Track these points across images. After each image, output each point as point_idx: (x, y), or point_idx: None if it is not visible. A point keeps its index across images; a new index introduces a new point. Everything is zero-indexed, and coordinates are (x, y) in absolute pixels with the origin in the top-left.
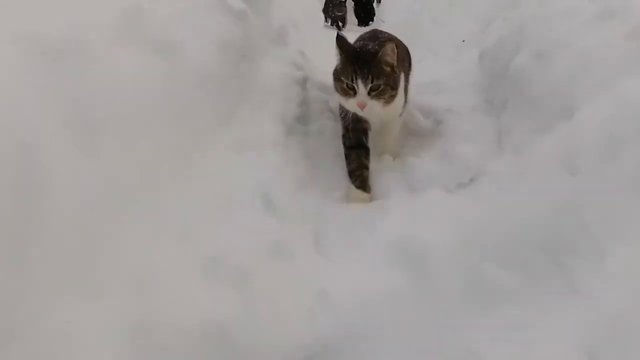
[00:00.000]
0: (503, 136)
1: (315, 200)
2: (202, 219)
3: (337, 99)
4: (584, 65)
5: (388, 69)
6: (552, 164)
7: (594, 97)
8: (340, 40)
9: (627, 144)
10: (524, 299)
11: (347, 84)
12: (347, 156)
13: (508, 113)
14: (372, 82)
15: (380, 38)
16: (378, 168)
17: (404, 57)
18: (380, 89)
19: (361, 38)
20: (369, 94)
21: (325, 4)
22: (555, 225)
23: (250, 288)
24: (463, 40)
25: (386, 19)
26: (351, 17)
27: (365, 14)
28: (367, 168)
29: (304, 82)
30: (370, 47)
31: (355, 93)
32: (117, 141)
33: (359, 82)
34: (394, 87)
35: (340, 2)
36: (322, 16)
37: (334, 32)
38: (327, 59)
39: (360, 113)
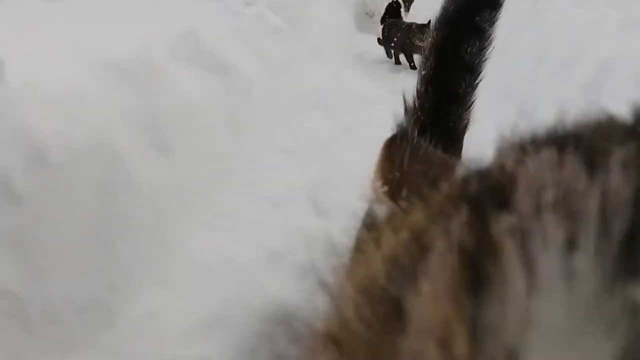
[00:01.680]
0: None
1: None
2: (259, 215)
3: None
4: (608, 73)
5: None
6: None
7: (617, 105)
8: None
9: None
10: None
11: None
12: None
13: (538, 120)
14: None
15: None
16: None
17: None
18: None
19: None
20: None
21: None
22: None
23: None
24: (493, 47)
25: None
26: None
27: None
28: None
29: (338, 92)
30: None
31: None
32: (184, 143)
33: None
34: None
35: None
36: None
37: None
38: None
39: None
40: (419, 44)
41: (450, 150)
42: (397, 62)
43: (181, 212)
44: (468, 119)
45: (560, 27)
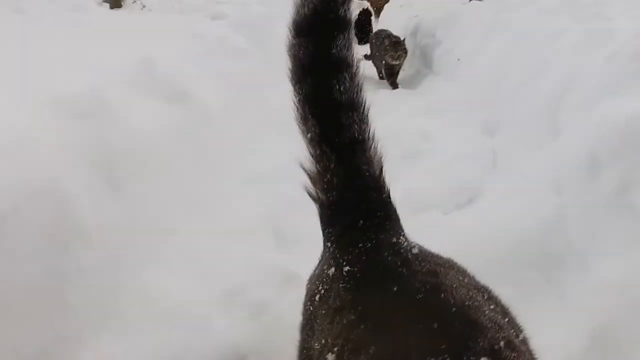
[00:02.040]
0: (498, 156)
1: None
2: (218, 250)
3: None
4: (569, 86)
5: None
6: (540, 185)
7: (576, 118)
8: None
9: (606, 165)
10: (518, 314)
11: None
12: None
13: (501, 133)
14: None
15: None
16: None
17: None
18: None
19: None
20: None
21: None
22: (544, 243)
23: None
24: (458, 59)
25: None
26: None
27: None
28: None
29: None
30: None
31: None
32: (140, 180)
33: None
34: None
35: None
36: None
37: None
38: None
39: None
40: (392, 62)
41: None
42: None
43: (137, 254)
44: (378, 156)
45: (524, 38)
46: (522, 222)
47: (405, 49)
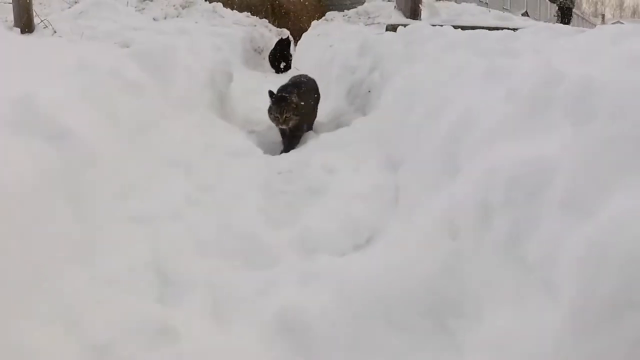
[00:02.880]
0: (400, 193)
1: (214, 268)
2: (93, 299)
3: None
4: (467, 125)
5: None
6: (437, 227)
7: (472, 160)
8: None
9: (497, 211)
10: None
11: None
12: None
13: (404, 169)
14: None
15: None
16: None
17: None
18: None
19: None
20: None
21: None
22: (440, 288)
23: None
24: (369, 91)
25: (300, 67)
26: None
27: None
28: None
29: (205, 148)
30: None
31: None
32: (13, 230)
33: None
34: None
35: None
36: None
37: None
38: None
39: None
40: (278, 126)
41: None
42: None
43: (9, 308)
44: None
45: (429, 72)
46: (417, 266)
47: (294, 108)
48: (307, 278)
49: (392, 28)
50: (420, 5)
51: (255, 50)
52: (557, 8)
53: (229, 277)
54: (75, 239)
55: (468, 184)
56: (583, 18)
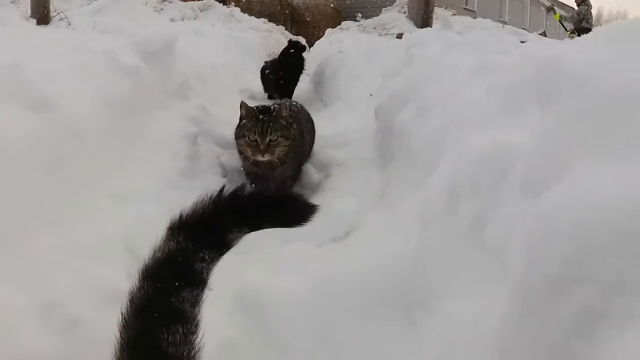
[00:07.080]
0: (387, 190)
1: None
2: (56, 264)
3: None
4: (453, 120)
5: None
6: (412, 218)
7: (450, 151)
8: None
9: (462, 197)
10: (372, 348)
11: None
12: None
13: (393, 167)
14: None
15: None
16: None
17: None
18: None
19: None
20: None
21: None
22: (405, 276)
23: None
24: (371, 95)
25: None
26: None
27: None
28: None
29: (194, 138)
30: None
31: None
32: None
33: None
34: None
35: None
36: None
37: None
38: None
39: None
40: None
41: None
42: None
43: None
44: None
45: (428, 72)
46: (386, 254)
47: (283, 127)
48: (284, 260)
49: (401, 37)
50: (432, 16)
51: (270, 55)
52: (572, 28)
53: None
54: (48, 208)
55: (440, 174)
56: None
